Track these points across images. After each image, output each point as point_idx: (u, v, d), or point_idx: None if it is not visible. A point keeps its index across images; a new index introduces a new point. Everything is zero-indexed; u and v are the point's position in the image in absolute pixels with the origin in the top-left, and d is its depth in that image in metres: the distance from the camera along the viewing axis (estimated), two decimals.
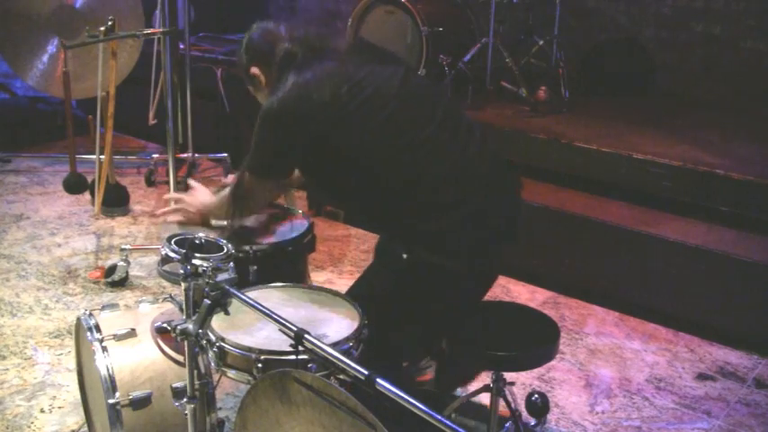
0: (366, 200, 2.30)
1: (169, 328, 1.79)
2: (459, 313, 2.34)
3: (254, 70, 2.33)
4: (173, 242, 1.78)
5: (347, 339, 2.01)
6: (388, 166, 2.18)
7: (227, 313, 1.74)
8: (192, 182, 2.63)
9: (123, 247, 3.66)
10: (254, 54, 2.33)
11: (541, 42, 4.69)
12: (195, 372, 1.83)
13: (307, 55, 2.23)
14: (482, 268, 2.34)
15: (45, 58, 4.72)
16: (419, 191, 2.18)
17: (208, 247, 1.81)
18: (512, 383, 2.43)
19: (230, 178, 2.62)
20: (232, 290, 1.72)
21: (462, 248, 2.21)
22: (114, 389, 2.04)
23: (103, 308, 2.29)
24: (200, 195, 2.51)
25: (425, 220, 2.17)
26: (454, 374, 2.76)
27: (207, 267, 1.73)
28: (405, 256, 2.23)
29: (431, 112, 2.25)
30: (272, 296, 2.26)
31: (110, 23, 3.77)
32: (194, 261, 1.73)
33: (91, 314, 2.22)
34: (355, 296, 2.26)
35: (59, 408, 2.76)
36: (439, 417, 1.36)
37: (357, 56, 2.31)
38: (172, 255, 1.75)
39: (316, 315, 2.15)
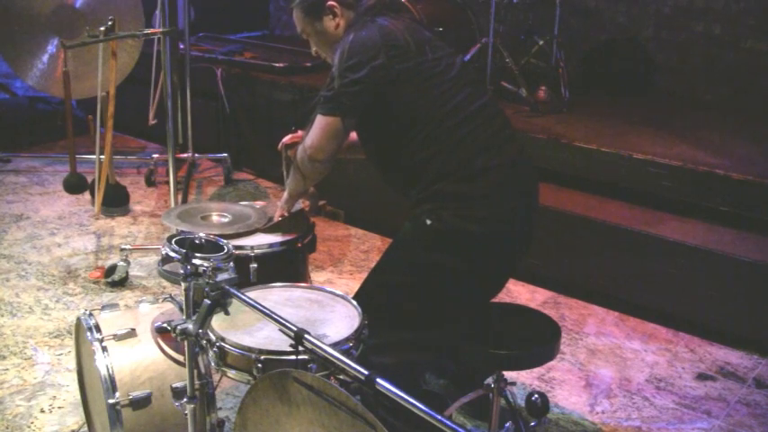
0: (404, 158, 2.35)
1: (169, 328, 1.80)
2: (470, 297, 2.37)
3: (333, 3, 2.42)
4: (173, 242, 1.78)
5: (347, 339, 2.01)
6: (435, 126, 2.29)
7: (227, 313, 1.74)
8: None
9: (123, 247, 3.66)
10: None
11: (541, 42, 4.68)
12: (195, 372, 1.83)
13: (383, 10, 2.42)
14: (503, 244, 2.35)
15: (45, 58, 4.72)
16: (457, 154, 2.28)
17: (208, 247, 1.81)
18: (512, 383, 2.43)
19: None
20: (232, 290, 1.72)
21: (488, 215, 2.27)
22: (114, 389, 2.04)
23: (103, 308, 2.29)
24: None
25: (457, 183, 2.26)
26: (467, 375, 2.77)
27: (207, 267, 1.73)
28: (428, 222, 2.26)
29: (477, 90, 2.43)
30: (272, 296, 2.26)
31: (110, 23, 3.77)
32: (194, 261, 1.73)
33: (91, 314, 2.22)
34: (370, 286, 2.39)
35: (59, 408, 2.76)
36: (439, 417, 1.36)
37: (419, 25, 2.53)
38: (172, 254, 1.75)
39: (316, 315, 2.15)
